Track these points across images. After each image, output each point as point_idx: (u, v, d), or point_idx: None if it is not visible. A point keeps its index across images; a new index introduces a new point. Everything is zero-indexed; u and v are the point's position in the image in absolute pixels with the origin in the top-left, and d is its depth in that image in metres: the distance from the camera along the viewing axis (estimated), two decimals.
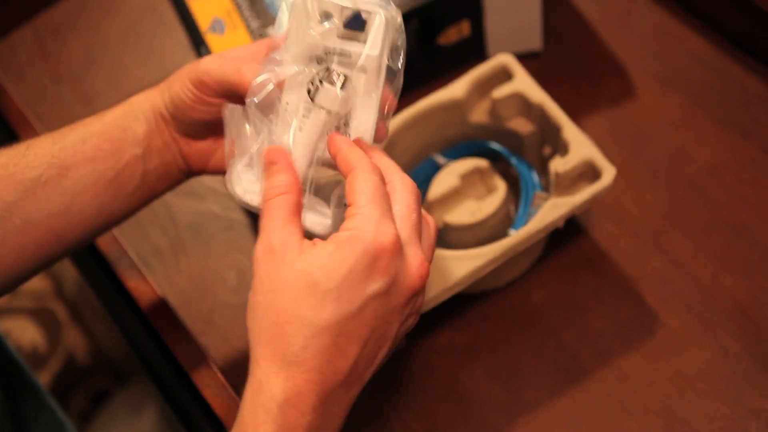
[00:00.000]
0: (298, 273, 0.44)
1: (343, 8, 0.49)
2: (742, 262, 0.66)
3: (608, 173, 0.62)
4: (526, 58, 0.76)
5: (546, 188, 0.68)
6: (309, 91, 0.49)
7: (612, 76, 0.76)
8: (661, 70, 0.76)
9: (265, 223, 0.46)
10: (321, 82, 0.49)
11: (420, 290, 0.46)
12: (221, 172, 0.57)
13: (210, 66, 0.52)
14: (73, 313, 1.21)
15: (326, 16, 0.49)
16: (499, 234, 0.66)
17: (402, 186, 0.48)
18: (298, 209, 0.47)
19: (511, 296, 0.67)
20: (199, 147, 0.57)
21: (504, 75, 0.68)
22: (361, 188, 0.46)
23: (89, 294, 0.80)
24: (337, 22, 0.49)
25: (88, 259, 0.73)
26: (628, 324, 0.65)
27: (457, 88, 0.68)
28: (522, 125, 0.68)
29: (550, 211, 0.62)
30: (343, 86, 0.49)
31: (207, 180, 0.77)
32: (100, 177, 0.54)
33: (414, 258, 0.46)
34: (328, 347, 0.44)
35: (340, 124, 0.50)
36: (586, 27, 0.79)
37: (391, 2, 0.51)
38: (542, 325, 0.66)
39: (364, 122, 0.50)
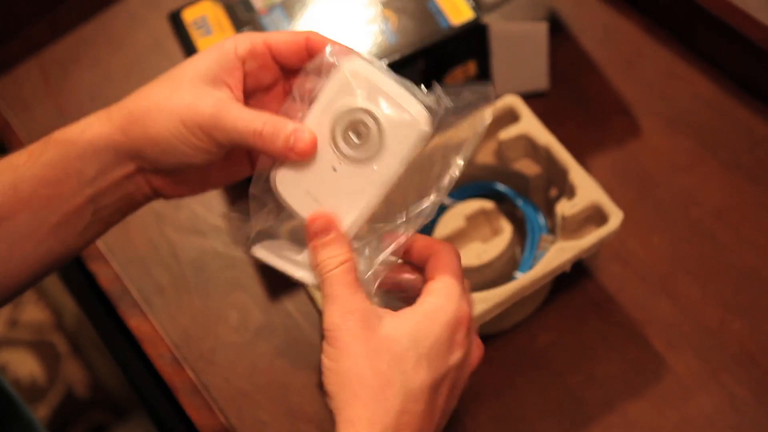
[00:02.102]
0: (389, 340, 0.45)
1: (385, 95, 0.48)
2: (749, 306, 0.66)
3: (616, 217, 0.61)
4: (532, 98, 0.76)
5: (552, 230, 0.67)
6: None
7: (618, 117, 0.76)
8: (667, 112, 0.75)
9: (338, 291, 0.46)
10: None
11: (476, 368, 0.49)
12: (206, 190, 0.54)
13: (219, 119, 0.48)
14: (72, 345, 1.20)
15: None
16: (505, 276, 0.66)
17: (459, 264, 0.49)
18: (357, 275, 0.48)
19: (517, 339, 0.67)
20: (176, 179, 0.52)
21: (510, 116, 0.68)
22: (447, 264, 0.48)
23: (89, 327, 0.80)
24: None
25: (89, 296, 0.72)
26: (634, 368, 0.64)
27: (463, 129, 0.68)
28: (528, 167, 0.68)
29: (557, 254, 0.61)
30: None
31: (210, 217, 0.77)
32: (41, 224, 0.49)
33: (475, 337, 0.49)
34: (421, 412, 0.45)
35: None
36: (593, 68, 0.79)
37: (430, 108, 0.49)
38: (548, 369, 0.65)
39: (344, 212, 0.48)
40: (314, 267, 0.48)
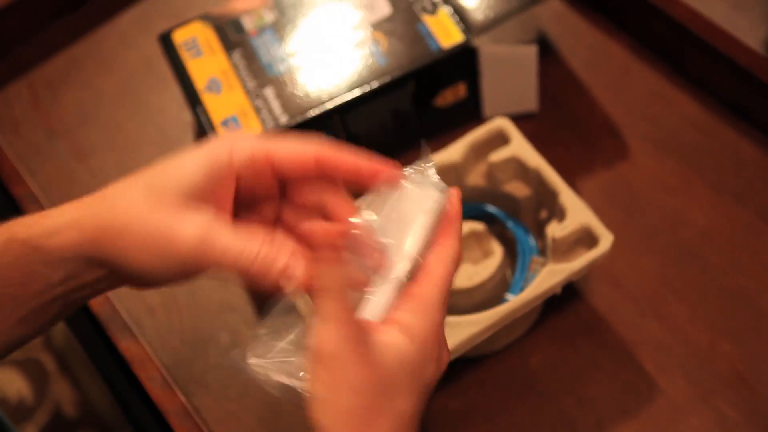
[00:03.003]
0: (382, 367, 0.42)
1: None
2: (739, 328, 0.66)
3: (606, 240, 0.62)
4: (521, 119, 0.76)
5: (542, 252, 0.67)
6: None
7: (607, 139, 0.77)
8: (655, 134, 0.76)
9: (340, 312, 0.41)
10: None
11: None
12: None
13: (202, 252, 0.43)
14: (61, 364, 1.19)
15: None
16: (496, 298, 0.66)
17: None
18: None
19: (508, 361, 0.67)
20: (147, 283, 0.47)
21: (500, 139, 0.68)
22: (434, 271, 0.45)
23: (78, 345, 0.79)
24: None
25: (79, 318, 0.72)
26: (626, 391, 0.65)
27: (453, 152, 0.68)
28: (518, 189, 0.69)
29: (548, 277, 0.61)
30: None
31: None
32: (6, 318, 0.46)
33: (444, 341, 0.46)
34: None
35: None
36: (581, 89, 0.79)
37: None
38: (539, 391, 0.65)
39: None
40: (314, 279, 0.42)
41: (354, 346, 0.41)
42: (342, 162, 0.46)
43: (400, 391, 0.43)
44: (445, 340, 0.47)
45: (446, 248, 0.46)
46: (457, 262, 0.46)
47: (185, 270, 0.44)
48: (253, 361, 0.44)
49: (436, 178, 0.47)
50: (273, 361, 0.44)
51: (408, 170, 0.47)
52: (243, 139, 0.47)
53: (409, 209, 0.46)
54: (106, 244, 0.45)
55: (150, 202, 0.44)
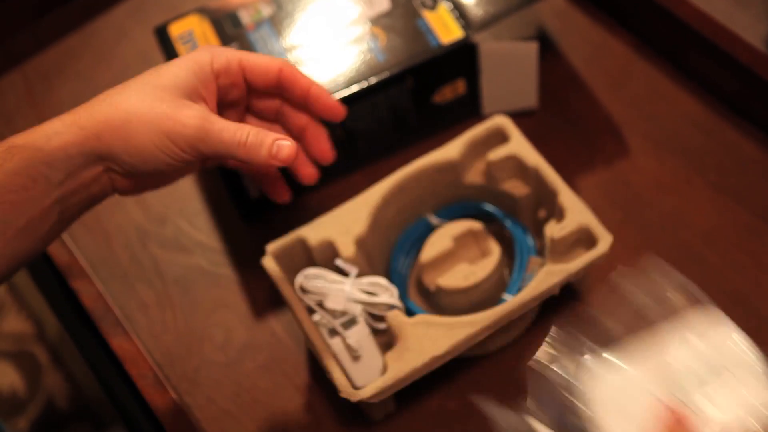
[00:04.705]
0: None
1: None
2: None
3: (605, 241, 0.61)
4: (520, 116, 0.75)
5: (540, 251, 0.67)
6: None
7: (607, 137, 0.76)
8: (655, 132, 0.75)
9: None
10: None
11: None
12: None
13: (205, 132, 0.50)
14: (54, 356, 1.19)
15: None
16: (493, 298, 0.65)
17: None
18: None
19: (504, 362, 0.66)
20: (139, 179, 0.53)
21: (499, 137, 0.68)
22: None
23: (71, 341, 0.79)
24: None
25: (71, 315, 0.71)
26: None
27: (451, 149, 0.67)
28: (517, 187, 0.68)
29: (546, 278, 0.61)
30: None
31: (195, 234, 0.76)
32: (6, 228, 0.49)
33: None
34: None
35: None
36: (582, 86, 0.79)
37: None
38: None
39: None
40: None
41: None
42: (299, 79, 0.56)
43: None
44: None
45: None
46: None
47: (191, 151, 0.50)
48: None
49: None
50: None
51: None
52: (221, 48, 0.55)
53: None
54: (108, 136, 0.49)
55: (149, 98, 0.50)
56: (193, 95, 0.52)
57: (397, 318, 0.61)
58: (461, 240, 0.67)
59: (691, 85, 0.77)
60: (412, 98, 0.73)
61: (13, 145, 0.49)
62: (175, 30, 0.75)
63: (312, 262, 0.65)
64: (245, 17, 0.75)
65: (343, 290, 0.60)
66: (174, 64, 0.53)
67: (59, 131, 0.50)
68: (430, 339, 0.59)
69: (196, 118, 0.50)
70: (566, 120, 0.77)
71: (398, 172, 0.67)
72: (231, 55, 0.55)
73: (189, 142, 0.51)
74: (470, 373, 0.66)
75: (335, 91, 0.70)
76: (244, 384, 0.68)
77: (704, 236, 0.69)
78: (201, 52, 0.54)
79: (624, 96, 0.78)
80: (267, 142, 0.52)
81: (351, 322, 0.60)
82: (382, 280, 0.63)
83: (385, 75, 0.70)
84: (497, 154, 0.66)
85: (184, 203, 0.77)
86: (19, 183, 0.49)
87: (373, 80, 0.70)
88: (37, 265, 0.74)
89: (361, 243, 0.65)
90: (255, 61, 0.55)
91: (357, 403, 0.59)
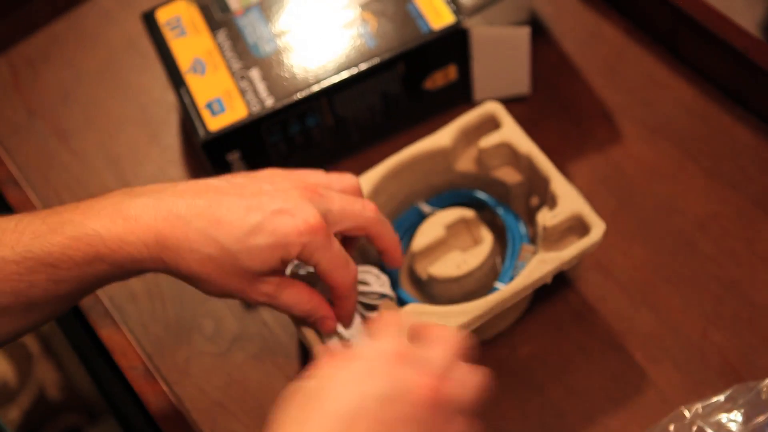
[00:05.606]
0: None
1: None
2: (731, 318, 0.65)
3: (598, 229, 0.61)
4: (513, 102, 0.75)
5: (533, 239, 0.66)
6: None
7: (600, 123, 0.75)
8: (649, 119, 0.75)
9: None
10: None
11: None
12: None
13: (267, 303, 0.56)
14: (45, 346, 1.18)
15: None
16: (486, 286, 0.65)
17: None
18: None
19: (497, 351, 0.66)
20: None
21: (491, 123, 0.67)
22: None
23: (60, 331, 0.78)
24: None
25: None
26: (615, 381, 0.64)
27: (443, 137, 0.66)
28: (509, 175, 0.67)
29: (538, 266, 0.60)
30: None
31: None
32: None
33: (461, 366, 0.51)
34: None
35: None
36: (575, 72, 0.78)
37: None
38: (528, 381, 0.64)
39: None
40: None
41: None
42: (381, 240, 0.59)
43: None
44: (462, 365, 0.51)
45: None
46: None
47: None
48: None
49: None
50: None
51: None
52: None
53: None
54: (179, 258, 0.52)
55: (222, 275, 0.53)
56: (271, 270, 0.54)
57: (389, 307, 0.61)
58: (453, 228, 0.66)
59: (685, 70, 0.76)
60: (403, 84, 0.72)
61: (97, 258, 0.51)
62: (163, 16, 0.74)
63: None
64: (233, 2, 0.74)
65: None
66: (256, 247, 0.53)
67: (128, 242, 0.52)
68: None
69: (264, 298, 0.55)
70: (559, 106, 0.76)
71: (389, 160, 0.66)
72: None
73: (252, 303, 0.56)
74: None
75: (325, 78, 0.69)
76: (235, 375, 0.68)
77: (698, 223, 0.69)
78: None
79: (617, 82, 0.77)
80: (316, 316, 0.57)
81: None
82: (374, 269, 0.63)
83: (376, 61, 0.69)
84: (489, 141, 0.66)
85: None
86: (83, 282, 0.53)
87: (363, 66, 0.69)
88: None
89: None
90: (347, 228, 0.57)
91: None
